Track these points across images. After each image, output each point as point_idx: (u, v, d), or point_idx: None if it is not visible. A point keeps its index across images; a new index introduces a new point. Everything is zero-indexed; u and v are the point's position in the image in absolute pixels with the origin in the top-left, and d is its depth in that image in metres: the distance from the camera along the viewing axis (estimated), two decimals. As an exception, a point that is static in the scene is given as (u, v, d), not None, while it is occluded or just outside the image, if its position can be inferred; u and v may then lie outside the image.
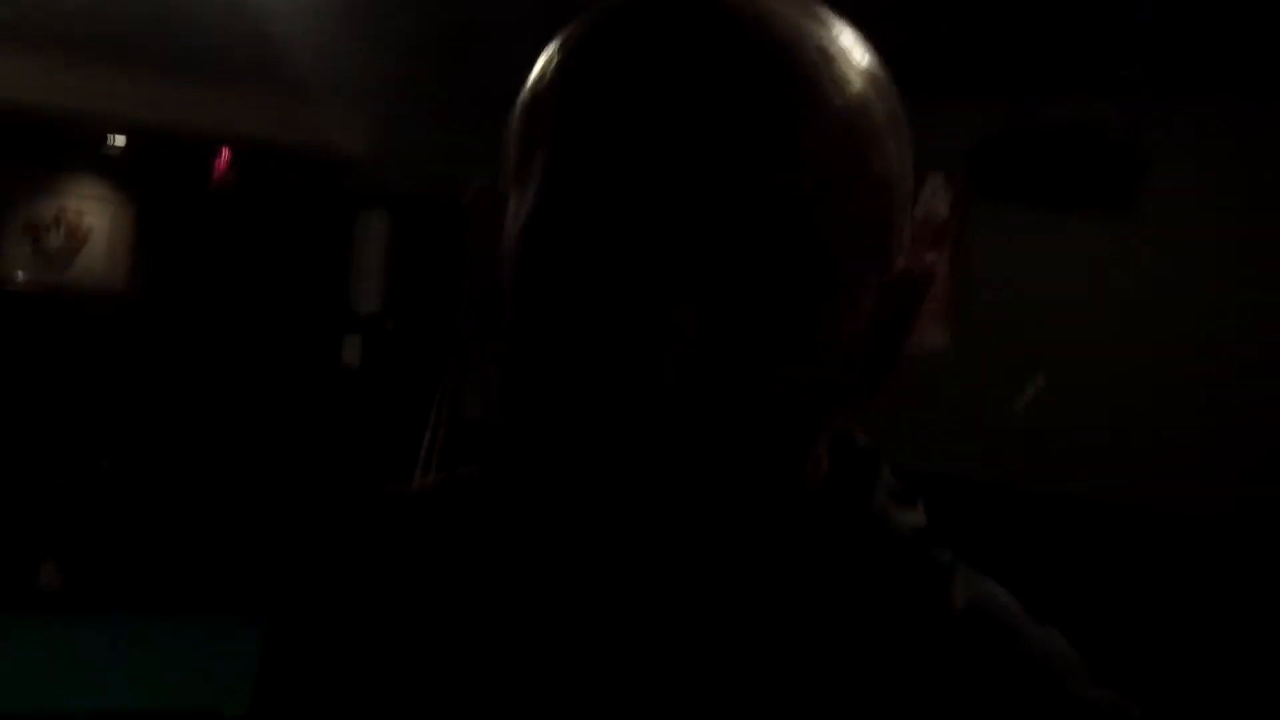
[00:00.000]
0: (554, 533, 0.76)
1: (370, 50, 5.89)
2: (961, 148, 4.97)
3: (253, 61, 6.11)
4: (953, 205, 5.34)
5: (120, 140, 7.76)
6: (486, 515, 0.83)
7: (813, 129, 0.69)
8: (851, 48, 0.73)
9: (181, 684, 3.99)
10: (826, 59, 0.71)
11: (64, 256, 8.04)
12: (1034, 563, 4.88)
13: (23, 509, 7.07)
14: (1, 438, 7.45)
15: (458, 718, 0.78)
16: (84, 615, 4.42)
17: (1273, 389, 4.65)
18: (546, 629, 0.77)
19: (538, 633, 0.78)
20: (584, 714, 0.75)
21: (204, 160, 7.60)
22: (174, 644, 4.48)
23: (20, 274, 7.88)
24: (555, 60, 0.74)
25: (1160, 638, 4.71)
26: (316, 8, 5.16)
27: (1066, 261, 5.14)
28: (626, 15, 0.72)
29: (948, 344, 5.30)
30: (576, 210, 0.69)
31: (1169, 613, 4.75)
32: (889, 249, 0.74)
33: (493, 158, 0.81)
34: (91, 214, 8.08)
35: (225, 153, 7.54)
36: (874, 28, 0.79)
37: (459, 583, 0.81)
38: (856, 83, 0.71)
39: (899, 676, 0.73)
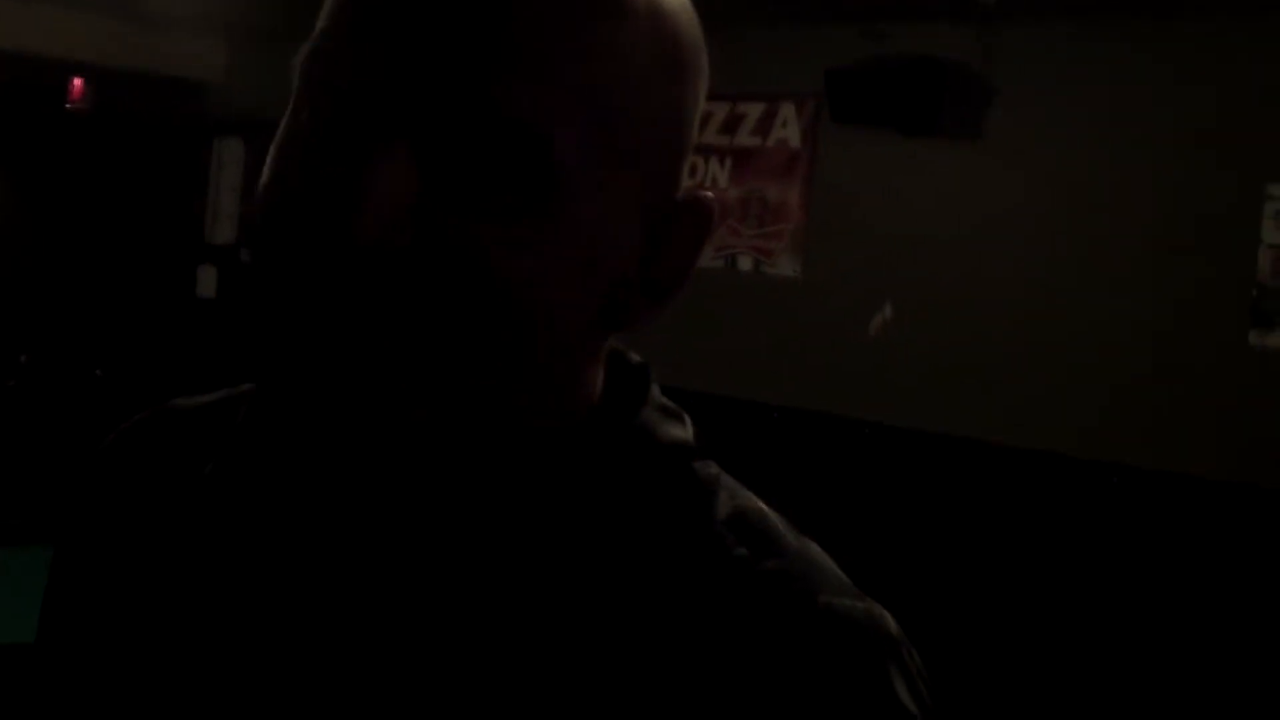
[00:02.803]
0: (296, 442, 0.76)
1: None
2: (816, 74, 4.98)
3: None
4: (805, 134, 5.35)
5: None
6: (252, 428, 0.82)
7: (567, 52, 0.69)
8: None
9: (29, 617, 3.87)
10: None
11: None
12: (873, 491, 4.95)
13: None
14: None
15: (219, 628, 0.78)
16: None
17: (1115, 316, 4.72)
18: (296, 549, 0.77)
19: (288, 552, 0.77)
20: (340, 637, 0.74)
21: (58, 87, 7.42)
22: (28, 576, 4.37)
23: None
24: None
25: (971, 564, 4.80)
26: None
27: (917, 189, 5.17)
28: None
29: (799, 271, 5.32)
30: (316, 69, 0.71)
31: (988, 541, 4.84)
32: (657, 179, 0.76)
33: None
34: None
35: (79, 79, 7.36)
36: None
37: (226, 495, 0.81)
38: (628, 23, 0.72)
39: (658, 586, 0.73)
